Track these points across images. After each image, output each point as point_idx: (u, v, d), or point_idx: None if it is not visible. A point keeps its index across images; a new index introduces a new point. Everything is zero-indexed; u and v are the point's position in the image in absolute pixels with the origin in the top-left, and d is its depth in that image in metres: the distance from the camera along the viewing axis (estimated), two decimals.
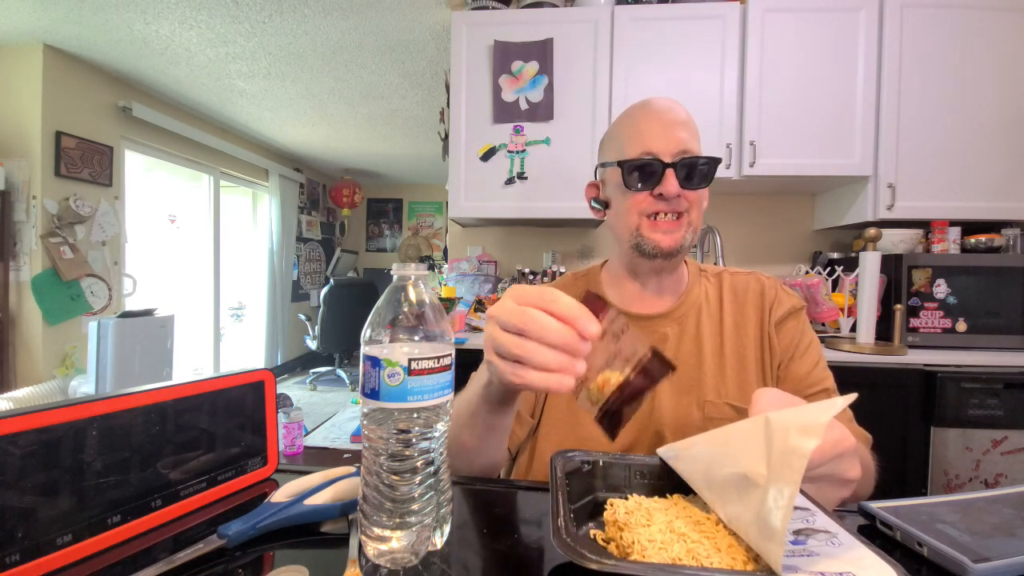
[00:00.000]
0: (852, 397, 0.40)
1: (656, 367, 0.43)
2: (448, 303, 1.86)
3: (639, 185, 0.68)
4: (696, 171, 0.67)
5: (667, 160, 0.66)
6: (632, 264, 0.74)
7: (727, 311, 0.73)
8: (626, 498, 0.48)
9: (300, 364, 5.03)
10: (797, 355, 0.71)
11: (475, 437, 0.57)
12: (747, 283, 0.76)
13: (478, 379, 0.55)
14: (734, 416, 0.67)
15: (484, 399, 0.52)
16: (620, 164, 0.69)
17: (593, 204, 0.78)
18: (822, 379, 0.70)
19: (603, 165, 0.75)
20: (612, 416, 0.44)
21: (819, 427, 0.34)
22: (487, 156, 1.88)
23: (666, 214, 0.68)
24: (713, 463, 0.42)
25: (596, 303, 0.42)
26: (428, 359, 0.39)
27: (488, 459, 0.61)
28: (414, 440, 0.40)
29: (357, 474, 0.50)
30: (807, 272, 1.82)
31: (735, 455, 0.39)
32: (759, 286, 0.75)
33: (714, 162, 0.68)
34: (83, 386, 2.31)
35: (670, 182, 0.66)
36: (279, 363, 4.63)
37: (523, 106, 1.85)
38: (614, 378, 0.43)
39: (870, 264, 1.51)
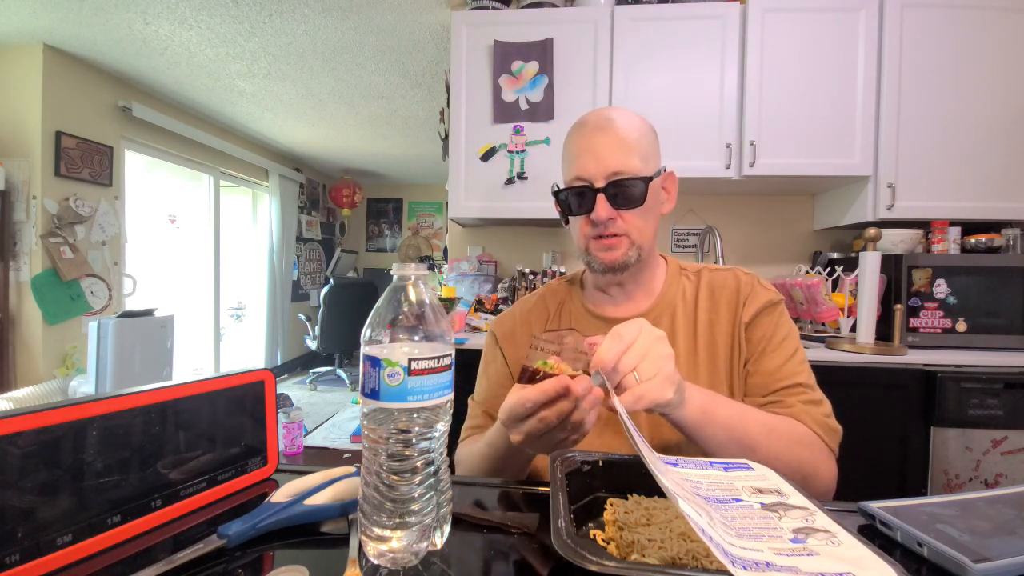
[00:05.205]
0: None
1: None
2: (448, 303, 1.86)
3: (575, 210, 0.71)
4: (627, 192, 0.68)
5: (599, 184, 0.68)
6: (591, 276, 0.78)
7: (702, 309, 0.73)
8: (626, 498, 0.48)
9: (300, 364, 5.03)
10: (769, 349, 0.69)
11: (496, 469, 0.64)
12: (724, 279, 0.74)
13: (499, 431, 0.59)
14: None
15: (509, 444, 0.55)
16: (555, 194, 0.75)
17: (561, 218, 0.81)
18: (794, 373, 0.67)
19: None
20: None
21: None
22: (487, 156, 1.88)
23: (604, 236, 0.70)
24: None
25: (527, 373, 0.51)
26: (428, 359, 0.39)
27: (515, 472, 0.65)
28: (414, 440, 0.40)
29: (357, 474, 0.50)
30: (807, 272, 1.82)
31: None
32: (735, 282, 0.74)
33: (644, 181, 0.68)
34: (83, 386, 2.31)
35: (600, 207, 0.68)
36: (279, 363, 4.63)
37: (523, 106, 1.85)
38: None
39: (870, 264, 1.51)
